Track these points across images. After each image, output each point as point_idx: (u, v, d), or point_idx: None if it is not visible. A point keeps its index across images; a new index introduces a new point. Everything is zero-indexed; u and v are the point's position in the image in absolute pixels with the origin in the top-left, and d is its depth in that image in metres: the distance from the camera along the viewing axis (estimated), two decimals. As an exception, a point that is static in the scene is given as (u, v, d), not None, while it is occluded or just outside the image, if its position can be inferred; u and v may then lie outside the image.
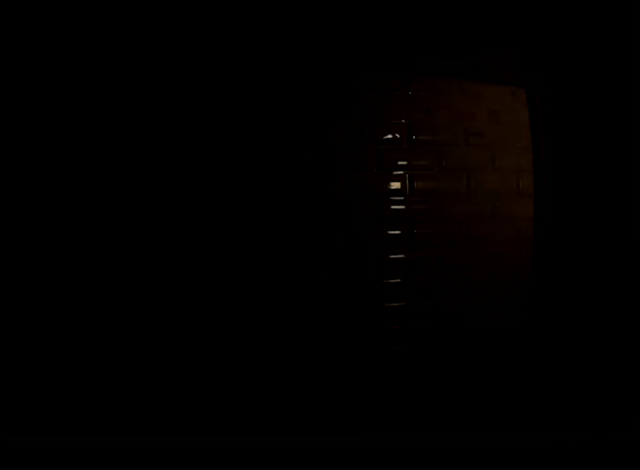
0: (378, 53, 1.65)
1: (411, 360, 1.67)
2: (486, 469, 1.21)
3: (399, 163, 1.64)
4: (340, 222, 1.62)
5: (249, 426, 1.46)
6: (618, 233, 1.81)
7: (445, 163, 1.67)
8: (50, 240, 1.49)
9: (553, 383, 1.68)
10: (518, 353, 1.79)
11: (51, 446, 1.18)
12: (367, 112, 1.64)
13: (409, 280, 1.66)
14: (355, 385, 1.63)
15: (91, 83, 1.53)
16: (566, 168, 1.78)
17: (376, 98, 1.65)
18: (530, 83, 1.77)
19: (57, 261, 1.49)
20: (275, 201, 1.58)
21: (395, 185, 1.64)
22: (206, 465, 1.26)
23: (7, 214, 1.45)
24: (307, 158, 1.60)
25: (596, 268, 1.78)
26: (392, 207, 1.65)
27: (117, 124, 1.55)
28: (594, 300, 1.72)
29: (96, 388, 1.43)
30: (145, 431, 1.34)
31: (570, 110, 1.79)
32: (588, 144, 1.81)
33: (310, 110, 1.62)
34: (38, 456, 1.13)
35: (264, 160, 1.59)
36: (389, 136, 1.64)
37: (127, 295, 1.53)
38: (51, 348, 1.44)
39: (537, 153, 1.77)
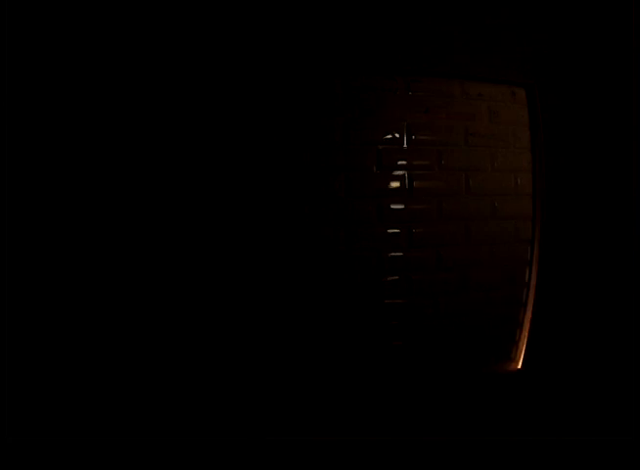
0: (378, 52, 1.65)
1: (409, 356, 1.69)
2: (486, 469, 1.21)
3: (399, 162, 1.65)
4: (340, 222, 1.63)
5: (245, 423, 1.48)
6: (618, 232, 1.82)
7: (445, 162, 1.68)
8: (50, 241, 1.51)
9: (552, 382, 1.69)
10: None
11: (51, 447, 1.18)
12: (367, 112, 1.65)
13: (408, 278, 1.67)
14: (355, 381, 1.65)
15: (89, 84, 1.54)
16: (565, 168, 1.79)
17: (376, 98, 1.66)
18: (530, 83, 1.77)
19: (56, 261, 1.51)
20: (276, 201, 1.60)
21: (395, 185, 1.66)
22: (206, 465, 1.28)
23: (7, 214, 1.46)
24: (308, 158, 1.61)
25: (595, 267, 1.79)
26: (392, 206, 1.66)
27: (115, 126, 1.56)
28: (594, 299, 1.73)
29: (96, 388, 1.46)
30: (145, 431, 1.36)
31: (570, 109, 1.80)
32: (588, 143, 1.82)
33: (311, 110, 1.63)
34: (38, 456, 1.14)
35: (264, 160, 1.60)
36: (389, 136, 1.65)
37: (126, 294, 1.55)
38: (51, 348, 1.46)
39: (537, 152, 1.78)
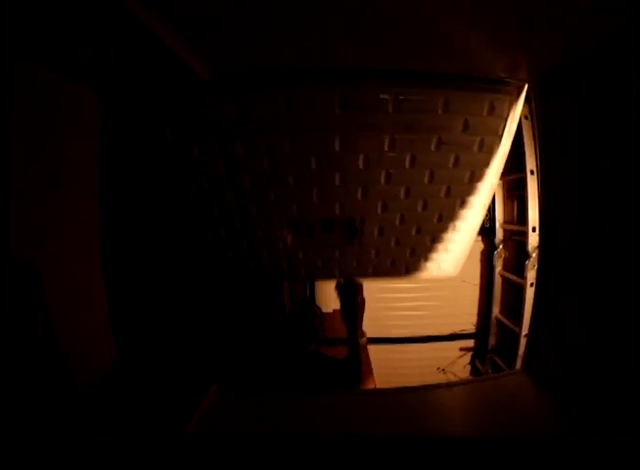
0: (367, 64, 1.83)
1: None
2: (485, 469, 1.23)
3: (380, 165, 2.20)
4: (335, 198, 2.39)
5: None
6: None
7: (416, 164, 2.20)
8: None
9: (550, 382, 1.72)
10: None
11: (51, 447, 1.14)
12: (361, 128, 2.05)
13: (381, 229, 2.59)
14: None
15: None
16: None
17: (366, 117, 2.00)
18: (515, 88, 1.93)
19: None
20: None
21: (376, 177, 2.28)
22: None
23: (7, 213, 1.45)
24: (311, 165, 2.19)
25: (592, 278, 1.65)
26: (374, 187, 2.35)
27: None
28: (593, 298, 1.60)
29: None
30: (144, 431, 1.40)
31: (565, 115, 1.89)
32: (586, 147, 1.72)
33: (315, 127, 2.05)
34: (38, 456, 1.09)
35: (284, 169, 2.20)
36: (376, 148, 2.12)
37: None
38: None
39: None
